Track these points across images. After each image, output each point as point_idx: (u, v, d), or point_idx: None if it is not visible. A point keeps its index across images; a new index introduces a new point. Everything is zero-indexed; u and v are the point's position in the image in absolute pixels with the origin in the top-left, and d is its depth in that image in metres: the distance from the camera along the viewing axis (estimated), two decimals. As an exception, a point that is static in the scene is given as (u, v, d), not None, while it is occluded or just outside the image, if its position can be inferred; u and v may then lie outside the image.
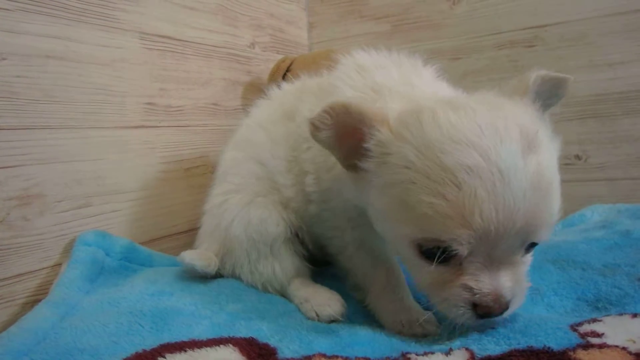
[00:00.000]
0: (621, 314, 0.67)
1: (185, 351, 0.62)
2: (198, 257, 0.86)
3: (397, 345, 0.65)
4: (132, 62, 1.04)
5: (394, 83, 0.74)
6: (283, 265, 0.84)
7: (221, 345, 0.63)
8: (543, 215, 0.58)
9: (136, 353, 0.61)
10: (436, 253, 0.58)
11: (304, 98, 0.84)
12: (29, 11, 0.86)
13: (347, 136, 0.63)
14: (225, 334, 0.67)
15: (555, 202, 0.59)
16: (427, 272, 0.61)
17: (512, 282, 0.60)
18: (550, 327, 0.63)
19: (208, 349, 0.62)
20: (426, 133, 0.58)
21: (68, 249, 0.91)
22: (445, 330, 0.70)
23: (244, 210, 0.85)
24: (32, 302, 0.84)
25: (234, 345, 0.63)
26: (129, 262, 0.94)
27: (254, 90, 1.34)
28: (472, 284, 0.59)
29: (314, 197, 0.79)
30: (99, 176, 0.96)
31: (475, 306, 0.60)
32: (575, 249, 0.91)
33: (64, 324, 0.69)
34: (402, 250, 0.64)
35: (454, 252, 0.57)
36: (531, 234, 0.58)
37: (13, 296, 0.83)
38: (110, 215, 0.98)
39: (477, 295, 0.59)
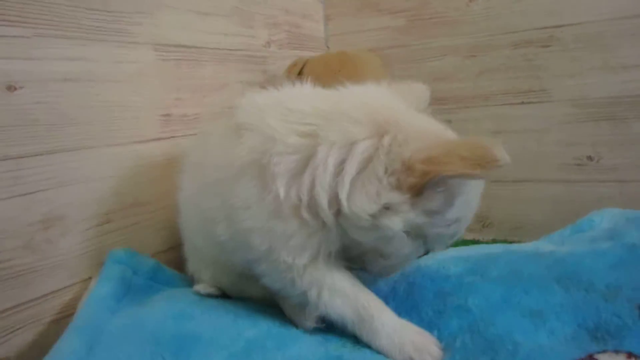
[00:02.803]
0: (617, 352, 0.70)
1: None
2: (210, 286, 0.93)
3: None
4: (148, 75, 1.05)
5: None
6: (257, 291, 0.88)
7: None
8: None
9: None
10: None
11: (208, 149, 0.86)
12: (44, 36, 0.87)
13: None
14: (241, 368, 0.72)
15: None
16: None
17: None
18: (548, 365, 0.66)
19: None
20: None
21: (92, 265, 0.95)
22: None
23: (198, 273, 0.96)
24: (59, 319, 0.90)
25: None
26: (154, 282, 0.99)
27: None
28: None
29: (232, 245, 0.80)
30: (117, 192, 1.00)
31: None
32: (580, 265, 0.93)
33: (91, 358, 0.73)
34: (407, 259, 0.79)
35: None
36: None
37: (40, 316, 0.88)
38: (130, 229, 1.02)
39: None
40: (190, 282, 1.00)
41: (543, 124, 1.29)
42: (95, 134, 0.95)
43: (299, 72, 1.29)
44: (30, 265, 0.86)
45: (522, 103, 1.33)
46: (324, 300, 0.76)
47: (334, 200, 0.71)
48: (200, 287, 0.93)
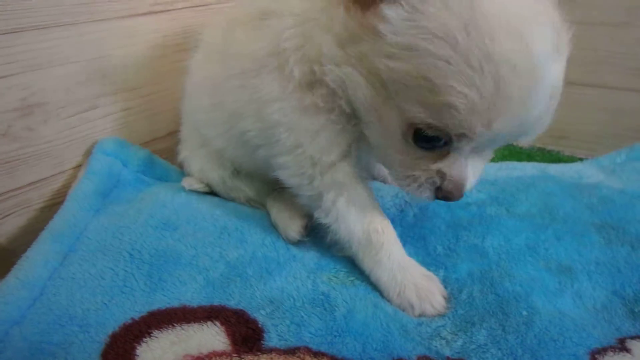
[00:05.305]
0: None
1: (174, 326, 0.61)
2: (196, 182, 0.88)
3: (391, 341, 0.61)
4: None
5: None
6: (246, 192, 0.85)
7: (209, 322, 0.62)
8: (545, 124, 0.57)
9: (124, 324, 0.61)
10: (432, 140, 0.57)
11: (232, 36, 0.74)
12: None
13: None
14: (217, 299, 0.66)
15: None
16: (409, 155, 0.60)
17: (475, 174, 0.62)
18: (565, 352, 0.57)
19: (195, 326, 0.61)
20: (480, 11, 0.50)
21: (82, 153, 0.88)
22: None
23: (188, 161, 0.89)
24: (50, 206, 0.86)
25: (221, 323, 0.62)
26: (145, 175, 0.92)
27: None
28: (446, 170, 0.59)
29: (258, 140, 0.72)
30: (104, 75, 0.88)
31: (438, 189, 0.61)
32: (631, 211, 0.79)
33: (62, 272, 0.68)
34: (389, 129, 0.60)
35: (454, 143, 0.56)
36: (524, 136, 0.58)
37: (29, 203, 0.84)
38: (120, 115, 0.92)
39: (445, 182, 0.60)
40: (183, 175, 0.93)
41: (626, 15, 1.01)
42: (70, 7, 0.81)
43: None
44: (13, 153, 0.80)
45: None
46: (339, 207, 0.69)
47: None
48: (186, 183, 0.88)
